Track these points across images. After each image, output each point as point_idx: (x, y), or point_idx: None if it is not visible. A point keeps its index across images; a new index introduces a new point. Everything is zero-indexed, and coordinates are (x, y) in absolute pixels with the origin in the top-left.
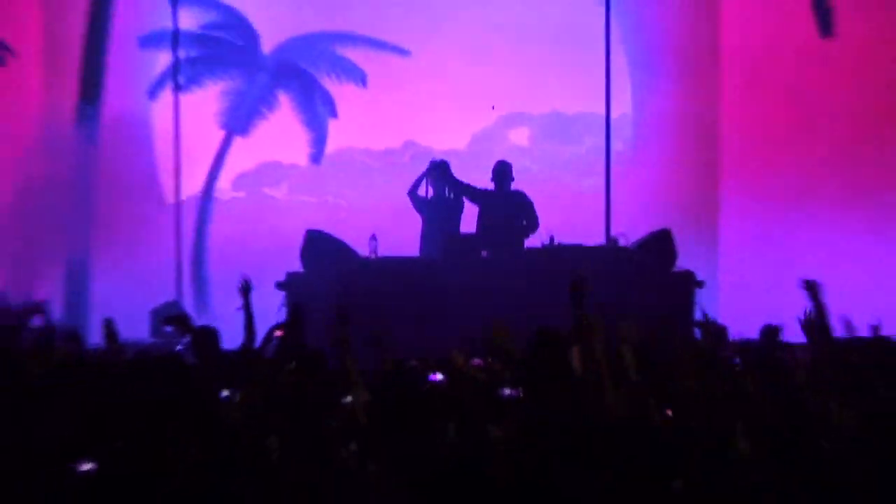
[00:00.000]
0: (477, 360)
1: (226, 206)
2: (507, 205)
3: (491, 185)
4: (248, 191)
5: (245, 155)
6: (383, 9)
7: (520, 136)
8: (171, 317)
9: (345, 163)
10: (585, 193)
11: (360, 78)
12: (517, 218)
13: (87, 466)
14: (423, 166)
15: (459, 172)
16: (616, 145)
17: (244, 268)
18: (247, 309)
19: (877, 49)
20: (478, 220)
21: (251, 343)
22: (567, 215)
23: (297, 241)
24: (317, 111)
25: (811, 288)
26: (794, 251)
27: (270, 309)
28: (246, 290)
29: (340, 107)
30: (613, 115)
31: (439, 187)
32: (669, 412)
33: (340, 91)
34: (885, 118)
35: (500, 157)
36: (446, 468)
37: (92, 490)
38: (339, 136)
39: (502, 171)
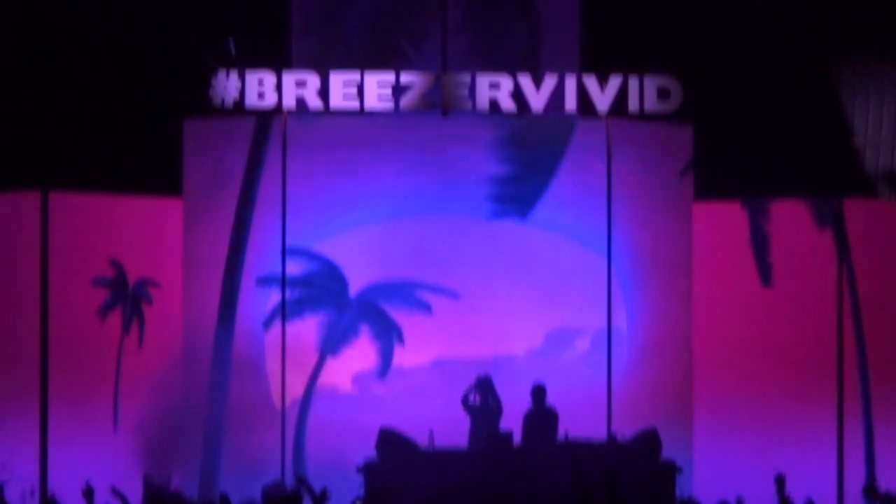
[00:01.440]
0: None
1: (318, 409)
2: (539, 416)
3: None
4: (338, 399)
5: (334, 369)
6: (440, 261)
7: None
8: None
9: (409, 374)
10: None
11: (425, 307)
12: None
13: None
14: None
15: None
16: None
17: (333, 453)
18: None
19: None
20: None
21: None
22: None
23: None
24: (390, 339)
25: (779, 481)
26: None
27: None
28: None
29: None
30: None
31: (484, 395)
32: None
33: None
34: (816, 346)
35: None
36: None
37: None
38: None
39: (539, 391)
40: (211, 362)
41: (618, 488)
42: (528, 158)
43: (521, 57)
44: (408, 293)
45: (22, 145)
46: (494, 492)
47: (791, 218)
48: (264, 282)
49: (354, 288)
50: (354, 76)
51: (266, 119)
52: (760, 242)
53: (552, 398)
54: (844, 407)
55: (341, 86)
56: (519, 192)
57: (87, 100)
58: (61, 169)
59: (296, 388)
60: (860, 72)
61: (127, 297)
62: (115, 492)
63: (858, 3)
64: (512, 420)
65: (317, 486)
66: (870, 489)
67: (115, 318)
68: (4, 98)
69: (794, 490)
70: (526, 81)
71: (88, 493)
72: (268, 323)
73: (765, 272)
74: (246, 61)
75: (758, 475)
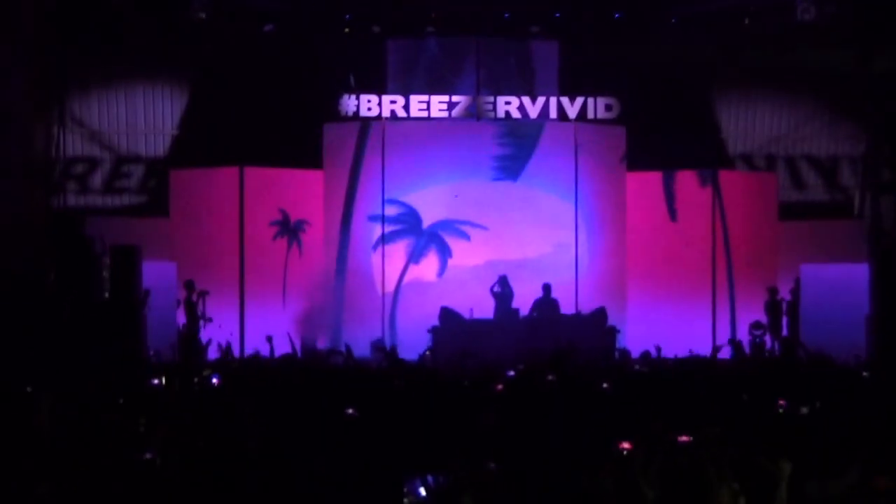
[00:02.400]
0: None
1: (405, 293)
2: (545, 302)
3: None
4: (417, 287)
5: (416, 271)
6: (476, 206)
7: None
8: (380, 346)
9: (458, 274)
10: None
11: (465, 236)
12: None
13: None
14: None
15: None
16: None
17: (414, 323)
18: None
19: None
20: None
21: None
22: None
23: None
24: (446, 255)
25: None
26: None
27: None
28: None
29: (455, 252)
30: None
31: (503, 287)
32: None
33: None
34: (700, 254)
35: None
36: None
37: None
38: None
39: (547, 287)
40: (335, 269)
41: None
42: (517, 146)
43: (524, 86)
44: (455, 227)
45: (225, 138)
46: (508, 345)
47: (686, 180)
48: (372, 219)
49: (426, 223)
50: (425, 97)
51: (367, 124)
52: (670, 196)
53: (536, 291)
54: (717, 291)
55: (417, 103)
56: (512, 165)
57: (270, 109)
58: (250, 152)
59: (390, 285)
60: (728, 94)
61: (290, 229)
62: (290, 341)
63: (731, 48)
64: (519, 302)
65: (403, 342)
66: (756, 324)
67: (282, 243)
68: (217, 111)
69: (688, 341)
70: (526, 100)
71: (269, 339)
72: (375, 246)
73: (672, 213)
74: (360, 89)
75: (666, 335)
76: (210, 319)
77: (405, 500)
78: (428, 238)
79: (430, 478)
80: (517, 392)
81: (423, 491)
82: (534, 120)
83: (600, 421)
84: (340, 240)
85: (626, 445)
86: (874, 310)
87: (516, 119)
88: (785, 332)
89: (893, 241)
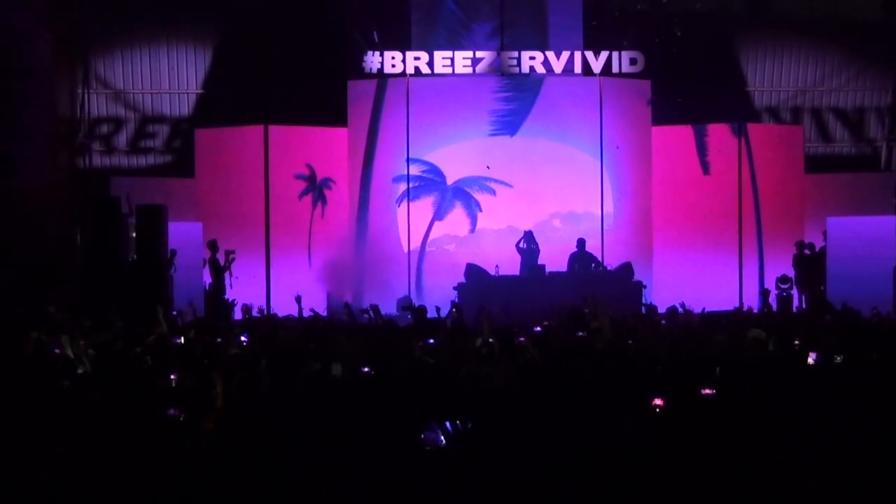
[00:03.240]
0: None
1: (430, 253)
2: (581, 257)
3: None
4: (439, 246)
5: (439, 229)
6: (497, 159)
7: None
8: (408, 304)
9: (484, 231)
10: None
11: (491, 192)
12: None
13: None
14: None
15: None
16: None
17: (439, 279)
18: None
19: (730, 179)
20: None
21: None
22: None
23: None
24: (472, 211)
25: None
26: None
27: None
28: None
29: (485, 206)
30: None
31: (529, 243)
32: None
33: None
34: (728, 205)
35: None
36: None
37: None
38: (482, 221)
39: (581, 242)
40: (359, 227)
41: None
42: (518, 101)
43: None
44: (481, 182)
45: (250, 97)
46: (534, 303)
47: (717, 133)
48: (396, 179)
49: (450, 178)
50: (449, 53)
51: (384, 82)
52: (702, 149)
53: (568, 248)
54: (744, 245)
55: (440, 59)
56: (513, 120)
57: (294, 67)
58: (275, 111)
59: (415, 241)
60: (754, 47)
61: (316, 187)
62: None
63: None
64: (546, 258)
65: (428, 299)
66: (783, 278)
67: (307, 202)
68: (242, 70)
69: (716, 293)
70: (551, 55)
71: (298, 300)
72: (398, 201)
73: (705, 166)
74: (384, 45)
75: (692, 291)
76: (236, 278)
77: (426, 448)
78: (453, 194)
79: (448, 424)
80: (541, 348)
81: (442, 438)
82: (566, 75)
83: (623, 377)
84: (364, 197)
85: (658, 402)
86: None
87: (517, 74)
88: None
89: None
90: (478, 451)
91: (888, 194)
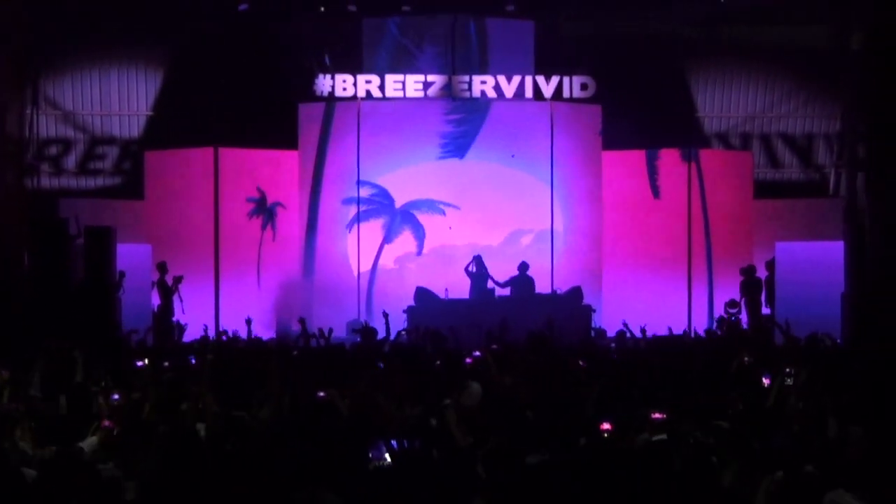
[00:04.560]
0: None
1: (381, 273)
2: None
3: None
4: (392, 268)
5: (389, 252)
6: (446, 182)
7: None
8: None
9: (434, 254)
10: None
11: (441, 213)
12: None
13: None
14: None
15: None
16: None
17: (389, 302)
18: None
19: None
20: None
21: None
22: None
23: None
24: (420, 234)
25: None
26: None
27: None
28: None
29: (429, 231)
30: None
31: (478, 267)
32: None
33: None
34: (677, 230)
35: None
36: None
37: None
38: (431, 244)
39: (524, 266)
40: (307, 248)
41: (554, 326)
42: (468, 124)
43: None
44: (430, 205)
45: (200, 119)
46: (483, 324)
47: (668, 158)
48: (346, 202)
49: (399, 202)
50: (400, 77)
51: (332, 105)
52: (653, 173)
53: (513, 271)
54: (692, 268)
55: (392, 83)
56: (462, 143)
57: (245, 90)
58: (225, 133)
59: (365, 264)
60: (704, 73)
61: (266, 209)
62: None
63: (707, 26)
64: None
65: (378, 323)
66: (731, 302)
67: (256, 225)
68: (192, 92)
69: (663, 320)
70: (502, 79)
71: (248, 322)
72: (349, 226)
73: (655, 190)
74: (336, 68)
75: (642, 315)
76: (184, 302)
77: (371, 466)
78: (402, 217)
79: (394, 442)
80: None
81: (387, 455)
82: (516, 100)
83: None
84: (314, 220)
85: (606, 427)
86: (849, 287)
87: (494, 98)
88: (762, 310)
89: (868, 219)
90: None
91: (836, 220)
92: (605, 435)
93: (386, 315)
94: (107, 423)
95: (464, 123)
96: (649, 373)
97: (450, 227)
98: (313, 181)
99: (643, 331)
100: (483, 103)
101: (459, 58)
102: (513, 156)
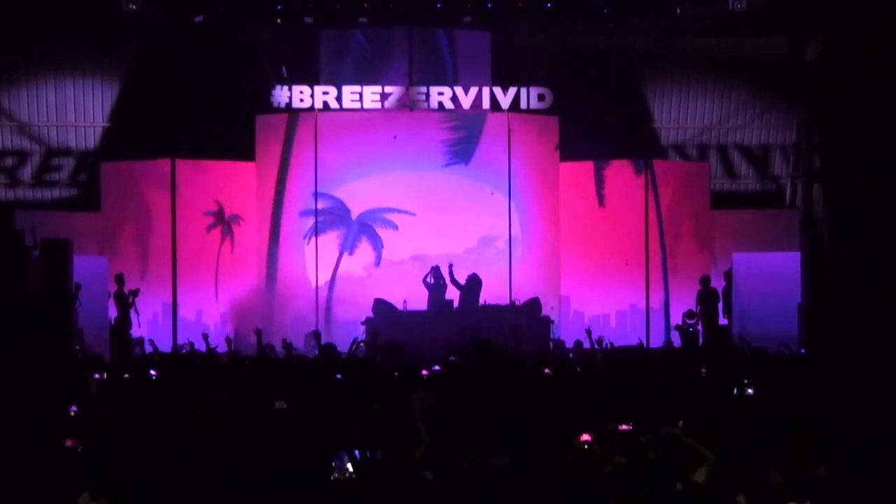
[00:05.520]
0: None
1: (339, 285)
2: (472, 288)
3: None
4: (350, 279)
5: (347, 263)
6: (405, 193)
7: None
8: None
9: (392, 265)
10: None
11: (394, 226)
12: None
13: None
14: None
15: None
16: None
17: (347, 313)
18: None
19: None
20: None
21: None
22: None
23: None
24: (377, 244)
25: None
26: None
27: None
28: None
29: (386, 241)
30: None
31: (436, 278)
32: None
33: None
34: (632, 240)
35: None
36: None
37: None
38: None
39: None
40: (266, 261)
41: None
42: (466, 132)
43: (455, 76)
44: (383, 216)
45: (157, 130)
46: (442, 337)
47: (620, 169)
48: (304, 213)
49: (355, 212)
50: (357, 88)
51: (295, 116)
52: (599, 183)
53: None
54: (650, 280)
55: (349, 94)
56: (464, 150)
57: (202, 101)
58: (182, 145)
59: (324, 275)
60: (661, 84)
61: (224, 221)
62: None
63: (664, 37)
64: (453, 293)
65: (337, 334)
66: (689, 313)
67: (214, 237)
68: (149, 103)
69: (618, 326)
70: (459, 90)
71: (206, 337)
72: (307, 237)
73: (600, 199)
74: (293, 79)
75: (599, 326)
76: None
77: (333, 475)
78: (359, 228)
79: (356, 452)
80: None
81: (349, 465)
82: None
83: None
84: (273, 232)
85: (586, 438)
86: (806, 298)
87: (452, 110)
88: (719, 321)
89: (825, 230)
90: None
91: (793, 230)
92: (586, 446)
93: (318, 334)
94: (69, 442)
95: (459, 130)
96: (610, 384)
97: (394, 137)
98: (276, 193)
99: (599, 340)
100: (479, 116)
101: (423, 68)
102: (492, 193)
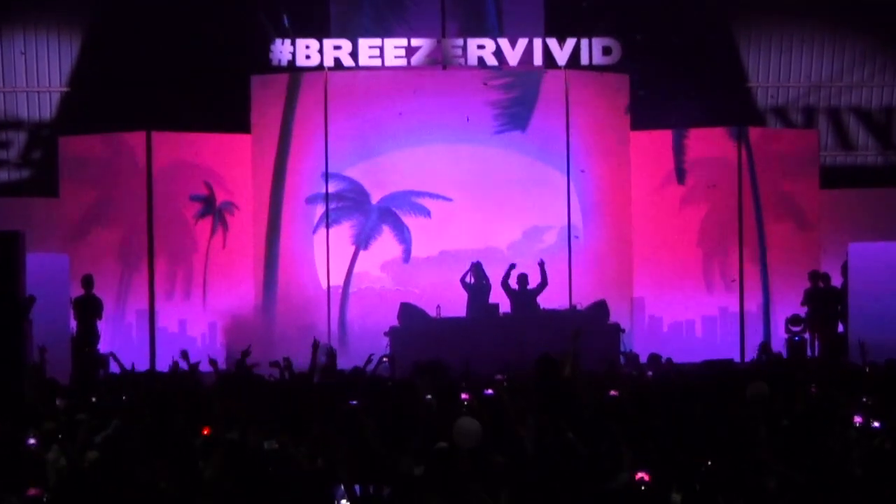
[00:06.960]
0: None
1: (356, 286)
2: (523, 292)
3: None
4: (369, 279)
5: (365, 259)
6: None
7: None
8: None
9: (421, 261)
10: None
11: (426, 213)
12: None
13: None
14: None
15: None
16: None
17: (367, 322)
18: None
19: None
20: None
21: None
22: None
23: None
24: (404, 236)
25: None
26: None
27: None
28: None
29: (415, 231)
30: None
31: (478, 277)
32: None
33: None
34: (721, 228)
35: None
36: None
37: None
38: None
39: (523, 276)
40: (265, 257)
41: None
42: (521, 92)
43: (499, 25)
44: (411, 200)
45: (128, 96)
46: (486, 351)
47: (706, 140)
48: (311, 199)
49: (375, 197)
50: (377, 41)
51: (299, 76)
52: (679, 156)
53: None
54: (744, 278)
55: (367, 49)
56: (519, 113)
57: (181, 62)
58: (160, 114)
59: (337, 275)
60: (756, 34)
61: (215, 209)
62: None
63: None
64: (498, 296)
65: (354, 347)
66: (794, 319)
67: (203, 227)
68: (117, 63)
69: (706, 335)
70: (504, 43)
71: (185, 354)
72: (315, 229)
73: (680, 175)
74: (296, 31)
75: (680, 337)
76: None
77: None
78: (379, 216)
79: (356, 487)
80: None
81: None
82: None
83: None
84: (274, 222)
85: (642, 476)
86: None
87: (497, 67)
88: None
89: None
90: None
91: None
92: (642, 487)
93: (332, 351)
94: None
95: (513, 90)
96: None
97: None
98: (275, 173)
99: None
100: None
101: (464, 17)
102: (582, 171)
